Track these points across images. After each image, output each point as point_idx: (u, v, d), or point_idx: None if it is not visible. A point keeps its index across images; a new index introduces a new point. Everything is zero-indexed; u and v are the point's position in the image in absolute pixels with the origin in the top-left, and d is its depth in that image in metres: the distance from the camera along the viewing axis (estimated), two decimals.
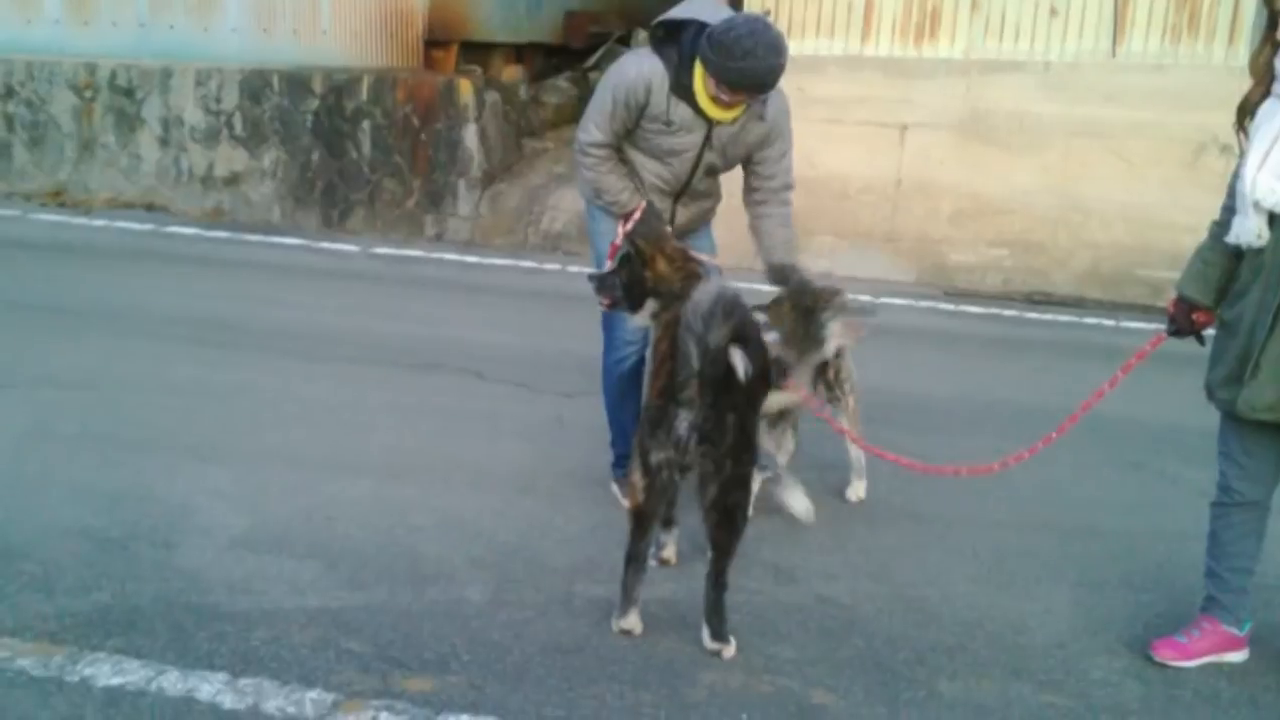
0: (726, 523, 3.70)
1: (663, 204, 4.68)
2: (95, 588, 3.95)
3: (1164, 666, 3.77)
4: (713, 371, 3.48)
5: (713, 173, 4.70)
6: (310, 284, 9.33)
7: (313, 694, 3.34)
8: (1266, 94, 3.47)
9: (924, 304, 9.45)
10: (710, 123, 4.44)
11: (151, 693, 3.33)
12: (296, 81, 11.88)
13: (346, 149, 11.79)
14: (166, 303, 8.15)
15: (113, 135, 12.45)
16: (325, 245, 10.96)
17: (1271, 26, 3.44)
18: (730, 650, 3.72)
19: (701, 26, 4.26)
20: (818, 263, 10.16)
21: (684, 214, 4.77)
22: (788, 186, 4.72)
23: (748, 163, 4.66)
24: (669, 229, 4.65)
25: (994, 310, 9.35)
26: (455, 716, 3.27)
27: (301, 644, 3.62)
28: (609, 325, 4.81)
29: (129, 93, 12.34)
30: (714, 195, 4.89)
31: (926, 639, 3.88)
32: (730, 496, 3.67)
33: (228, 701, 3.29)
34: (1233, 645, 3.82)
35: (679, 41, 4.35)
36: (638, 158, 4.61)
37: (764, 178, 4.66)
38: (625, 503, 4.07)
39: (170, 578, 4.05)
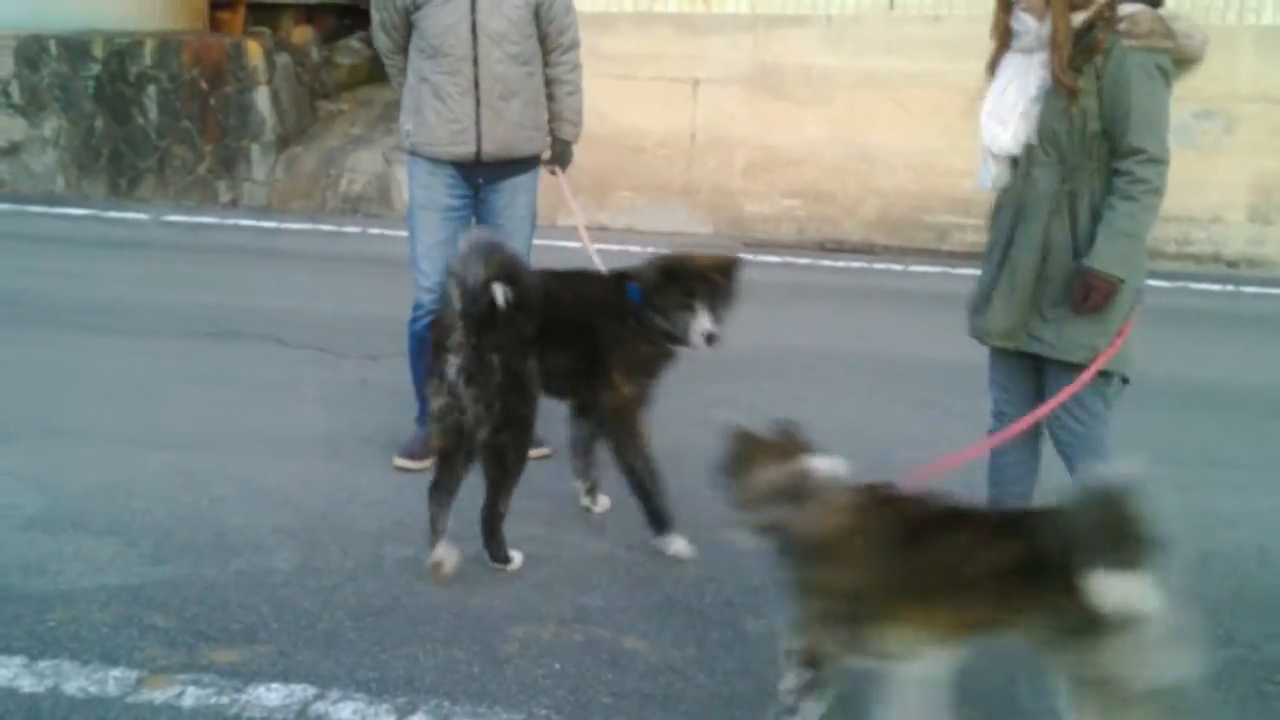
0: (497, 461, 3.89)
1: (463, 107, 4.64)
2: None
3: None
4: (474, 309, 3.68)
5: (505, 47, 4.61)
6: (100, 254, 9.02)
7: (115, 672, 3.28)
8: (1007, 49, 3.70)
9: None
10: None
11: None
12: (76, 46, 11.40)
13: (132, 115, 11.38)
14: None
15: None
16: (114, 214, 10.61)
17: None
18: (515, 563, 3.97)
19: None
20: (618, 218, 10.30)
21: (494, 127, 4.69)
22: (576, 43, 4.87)
23: (537, 23, 4.71)
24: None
25: (789, 259, 9.58)
26: (265, 685, 3.25)
27: (102, 622, 3.55)
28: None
29: None
30: (525, 98, 4.75)
31: (733, 581, 3.98)
32: (500, 436, 3.85)
33: (26, 685, 3.21)
34: None
35: None
36: (429, 68, 4.63)
37: (554, 37, 4.77)
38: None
39: None
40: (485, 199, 4.84)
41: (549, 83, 4.85)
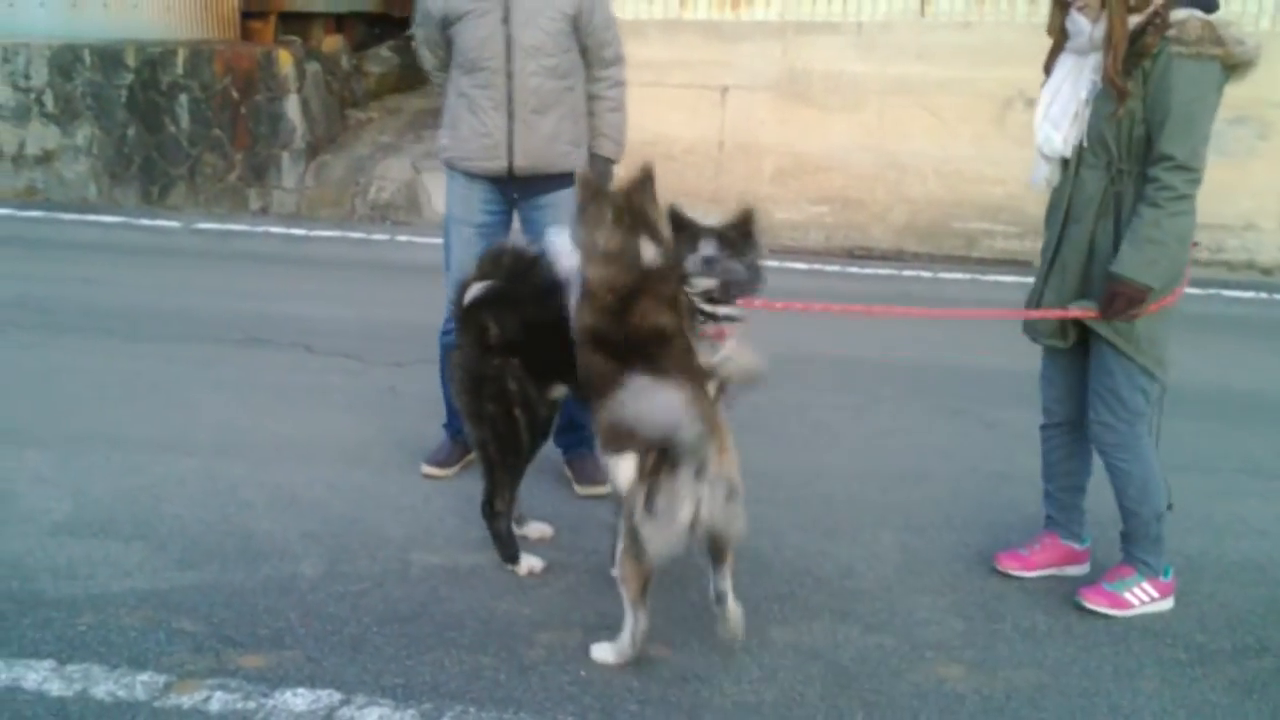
0: (480, 453, 4.01)
1: (495, 121, 4.52)
2: None
3: (984, 604, 3.91)
4: (454, 298, 3.96)
5: (541, 60, 4.49)
6: (131, 262, 9.08)
7: (144, 676, 3.30)
8: (1062, 49, 3.72)
9: None
10: None
11: None
12: (109, 56, 11.51)
13: (164, 123, 11.46)
14: None
15: None
16: (145, 222, 10.68)
17: None
18: (523, 568, 3.99)
19: None
20: None
21: (526, 141, 4.55)
22: (618, 59, 4.74)
23: (577, 36, 4.57)
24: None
25: (817, 266, 9.53)
26: (291, 691, 3.26)
27: (130, 626, 3.56)
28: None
29: None
30: (561, 112, 4.59)
31: (759, 588, 3.95)
32: (472, 428, 3.99)
33: (55, 688, 3.23)
34: (1073, 559, 4.07)
35: None
36: (466, 82, 4.56)
37: (595, 51, 4.63)
38: None
39: None
40: (528, 216, 4.72)
41: (590, 98, 4.71)
